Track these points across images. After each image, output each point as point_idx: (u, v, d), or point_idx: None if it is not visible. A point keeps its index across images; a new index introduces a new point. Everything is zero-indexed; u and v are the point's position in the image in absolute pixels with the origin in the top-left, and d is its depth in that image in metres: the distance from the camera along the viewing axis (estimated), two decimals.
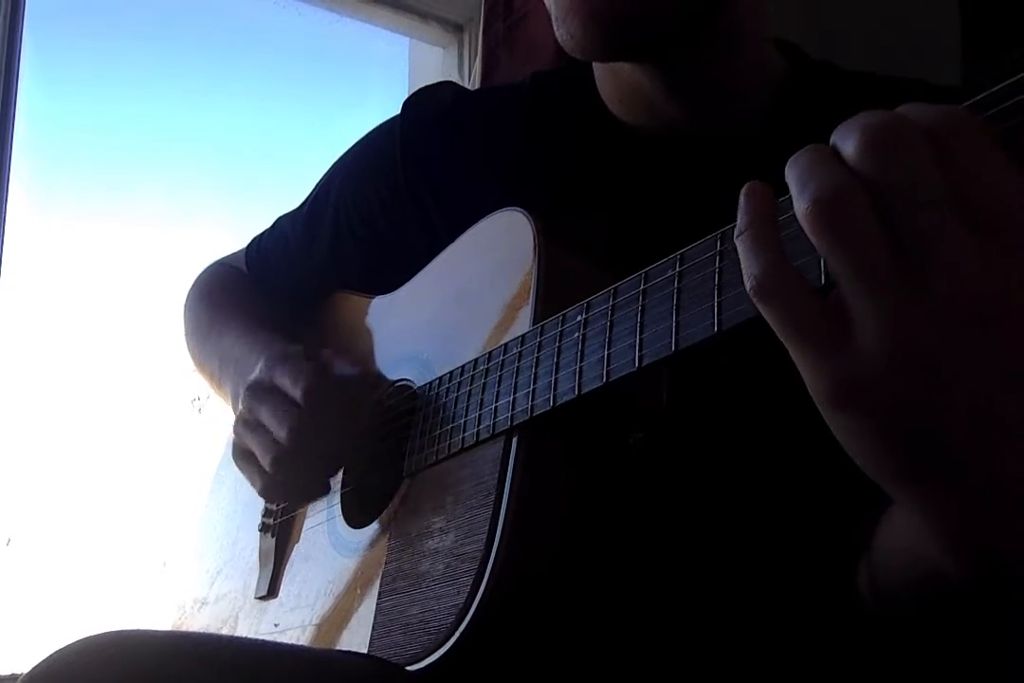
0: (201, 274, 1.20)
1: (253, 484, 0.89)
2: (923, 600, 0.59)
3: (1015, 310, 0.42)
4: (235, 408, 0.93)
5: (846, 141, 0.44)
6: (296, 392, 0.83)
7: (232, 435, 0.90)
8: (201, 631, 1.03)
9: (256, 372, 0.87)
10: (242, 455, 0.89)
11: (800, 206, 0.44)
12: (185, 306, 1.17)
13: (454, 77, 1.79)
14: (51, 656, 0.63)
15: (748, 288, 0.46)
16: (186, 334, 1.15)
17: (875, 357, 0.43)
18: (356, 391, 0.86)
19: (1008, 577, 0.49)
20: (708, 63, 0.83)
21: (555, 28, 0.79)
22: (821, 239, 0.43)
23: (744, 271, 0.46)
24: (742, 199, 0.48)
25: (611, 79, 0.89)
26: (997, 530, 0.47)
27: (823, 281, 0.47)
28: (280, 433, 0.83)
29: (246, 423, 0.87)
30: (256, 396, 0.85)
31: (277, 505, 1.00)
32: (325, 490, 0.88)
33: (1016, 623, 0.57)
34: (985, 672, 0.66)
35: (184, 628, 1.07)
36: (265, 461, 0.85)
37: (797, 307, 0.45)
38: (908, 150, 0.42)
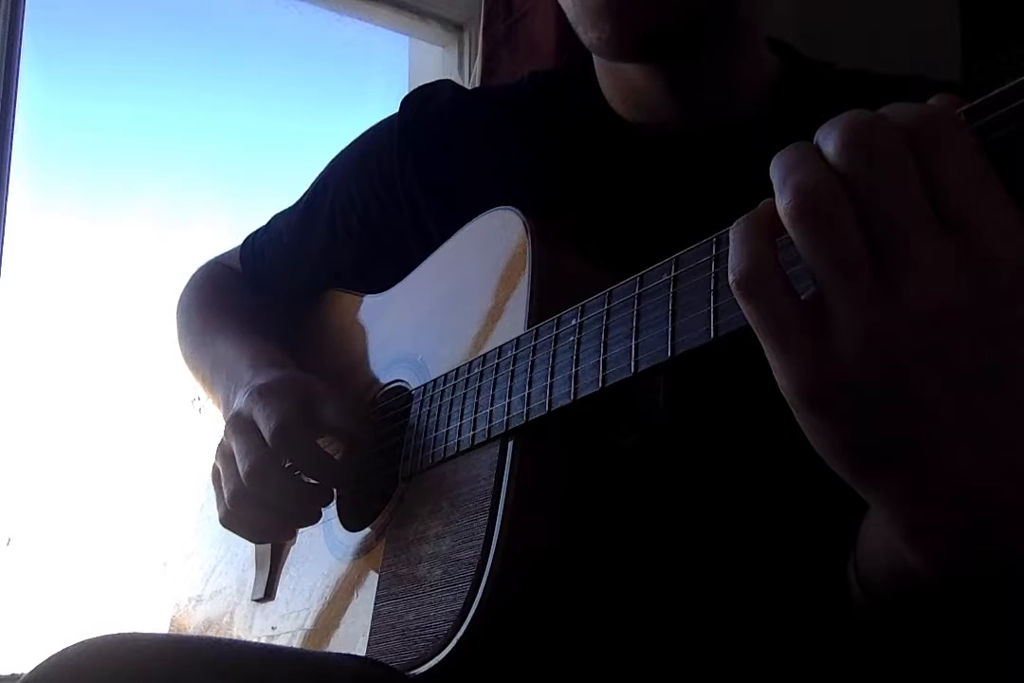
0: (195, 274, 1.19)
1: (217, 510, 0.89)
2: (905, 599, 0.59)
3: (986, 314, 0.42)
4: (224, 414, 0.93)
5: (827, 139, 0.44)
6: (267, 432, 0.82)
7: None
8: (198, 630, 1.04)
9: (240, 403, 0.86)
10: (214, 479, 0.89)
11: (781, 202, 0.44)
12: (178, 306, 1.17)
13: (454, 76, 1.79)
14: (51, 658, 0.63)
15: (730, 280, 0.46)
16: (179, 335, 1.15)
17: (848, 358, 0.43)
18: (333, 428, 0.85)
19: (977, 575, 0.50)
20: (710, 63, 0.83)
21: (581, 30, 0.79)
22: (800, 233, 0.44)
23: (730, 262, 0.47)
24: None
25: (613, 78, 0.89)
26: (959, 528, 0.48)
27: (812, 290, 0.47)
28: (242, 468, 0.83)
29: (221, 450, 0.87)
30: (234, 428, 0.85)
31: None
32: (282, 536, 0.89)
33: (992, 621, 0.58)
34: (978, 671, 0.66)
35: (181, 625, 1.07)
36: (225, 492, 0.86)
37: (776, 304, 0.45)
38: (886, 148, 0.43)
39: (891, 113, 0.44)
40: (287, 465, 0.83)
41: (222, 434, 0.87)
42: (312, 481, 0.85)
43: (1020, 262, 0.42)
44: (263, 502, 0.84)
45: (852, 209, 0.43)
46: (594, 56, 0.90)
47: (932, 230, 0.42)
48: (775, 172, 0.45)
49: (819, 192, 0.43)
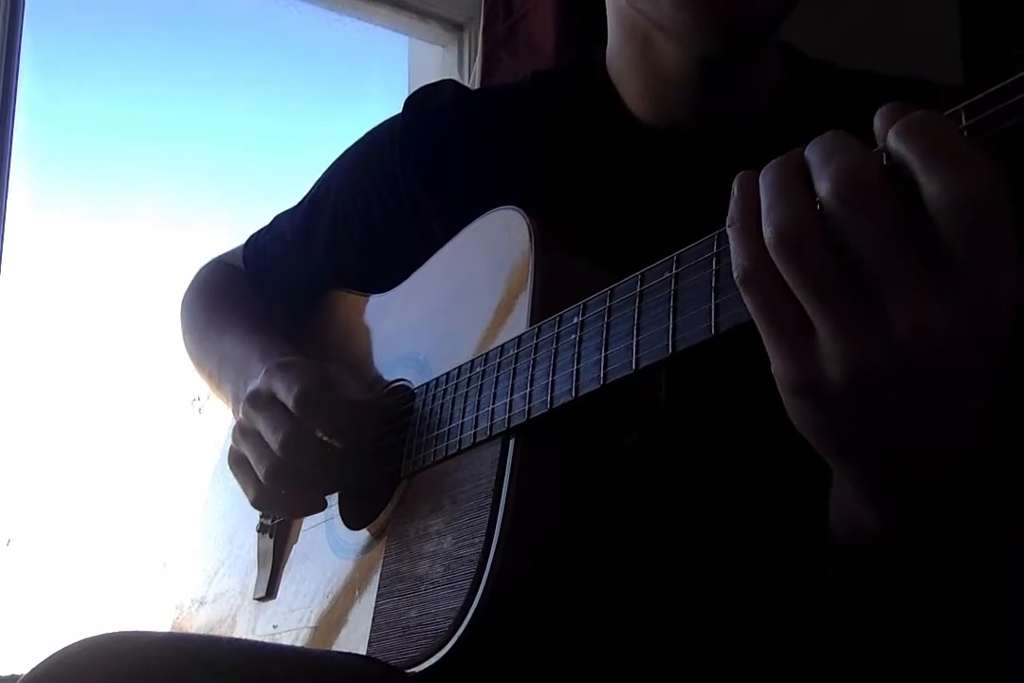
0: (199, 272, 1.20)
1: (246, 493, 0.88)
2: (865, 561, 0.64)
3: (967, 349, 0.46)
4: (234, 410, 0.93)
5: (820, 175, 0.47)
6: (288, 400, 0.82)
7: (230, 440, 0.90)
8: (200, 631, 1.03)
9: (257, 382, 0.87)
10: (237, 462, 0.88)
11: (765, 231, 0.48)
12: (183, 305, 1.17)
13: (454, 76, 1.79)
14: (51, 657, 0.63)
15: (735, 275, 0.50)
16: (184, 333, 1.15)
17: (833, 368, 0.48)
18: (352, 399, 0.85)
19: (919, 530, 0.58)
20: (749, 69, 0.83)
21: (684, 14, 0.75)
22: (780, 262, 0.47)
23: (732, 258, 0.50)
24: (735, 188, 0.51)
25: (639, 75, 0.87)
26: (905, 496, 0.55)
27: None
28: (274, 442, 0.82)
29: (243, 431, 0.87)
30: (255, 405, 0.85)
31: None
32: (318, 507, 0.87)
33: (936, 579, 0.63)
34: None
35: (182, 628, 1.07)
36: (259, 470, 0.85)
37: (776, 300, 0.49)
38: (875, 208, 0.45)
39: (901, 133, 0.45)
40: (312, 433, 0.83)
41: (241, 417, 0.87)
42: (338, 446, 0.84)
43: (1005, 303, 0.45)
44: (299, 472, 0.84)
45: (832, 247, 0.46)
46: (624, 44, 0.88)
47: (918, 268, 0.45)
48: (763, 185, 0.49)
49: (797, 231, 0.47)
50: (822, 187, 0.46)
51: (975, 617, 0.66)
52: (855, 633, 0.69)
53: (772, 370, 0.50)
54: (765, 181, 0.49)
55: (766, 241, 0.48)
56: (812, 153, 0.48)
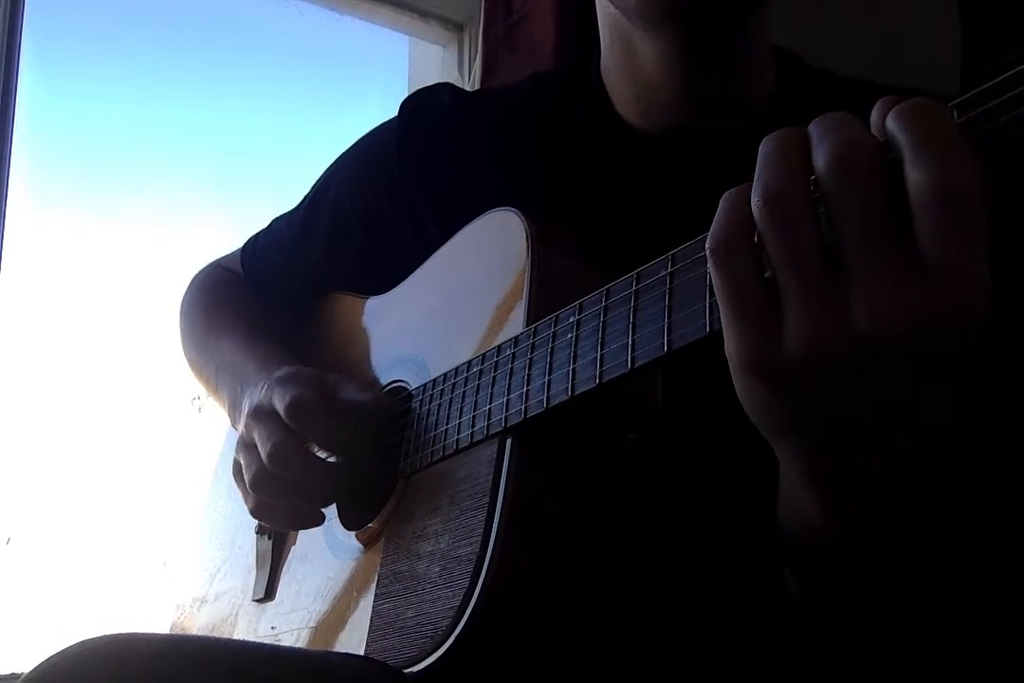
0: (197, 276, 1.20)
1: (245, 503, 0.89)
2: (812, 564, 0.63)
3: (923, 344, 0.46)
4: (230, 415, 0.94)
5: (818, 146, 0.47)
6: (281, 409, 0.83)
7: (226, 443, 0.90)
8: (203, 632, 1.04)
9: (260, 395, 0.87)
10: (236, 473, 0.89)
11: (753, 195, 0.48)
12: (181, 309, 1.17)
13: (454, 76, 1.79)
14: (50, 658, 0.63)
15: (707, 245, 0.50)
16: (182, 338, 1.15)
17: (792, 348, 0.47)
18: (349, 407, 0.84)
19: (871, 527, 0.56)
20: (727, 61, 0.83)
21: (639, 2, 0.77)
22: (762, 227, 0.47)
23: (711, 228, 0.50)
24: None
25: (625, 75, 0.88)
26: (851, 481, 0.54)
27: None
28: (263, 451, 0.83)
29: (243, 443, 0.87)
30: (254, 418, 0.85)
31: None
32: (315, 520, 0.87)
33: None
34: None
35: (184, 627, 1.07)
36: (247, 479, 0.85)
37: (740, 275, 0.49)
38: (864, 182, 0.45)
39: (898, 117, 0.45)
40: (307, 445, 0.83)
41: (242, 430, 0.87)
42: (331, 460, 0.85)
43: (973, 301, 0.45)
44: (285, 484, 0.84)
45: (816, 220, 0.46)
46: (611, 46, 0.88)
47: (890, 255, 0.45)
48: (759, 155, 0.49)
49: (784, 195, 0.47)
50: (818, 157, 0.47)
51: (954, 620, 0.65)
52: (828, 633, 0.69)
53: (726, 349, 0.50)
54: (763, 149, 0.49)
55: (752, 204, 0.48)
56: (814, 128, 0.48)
